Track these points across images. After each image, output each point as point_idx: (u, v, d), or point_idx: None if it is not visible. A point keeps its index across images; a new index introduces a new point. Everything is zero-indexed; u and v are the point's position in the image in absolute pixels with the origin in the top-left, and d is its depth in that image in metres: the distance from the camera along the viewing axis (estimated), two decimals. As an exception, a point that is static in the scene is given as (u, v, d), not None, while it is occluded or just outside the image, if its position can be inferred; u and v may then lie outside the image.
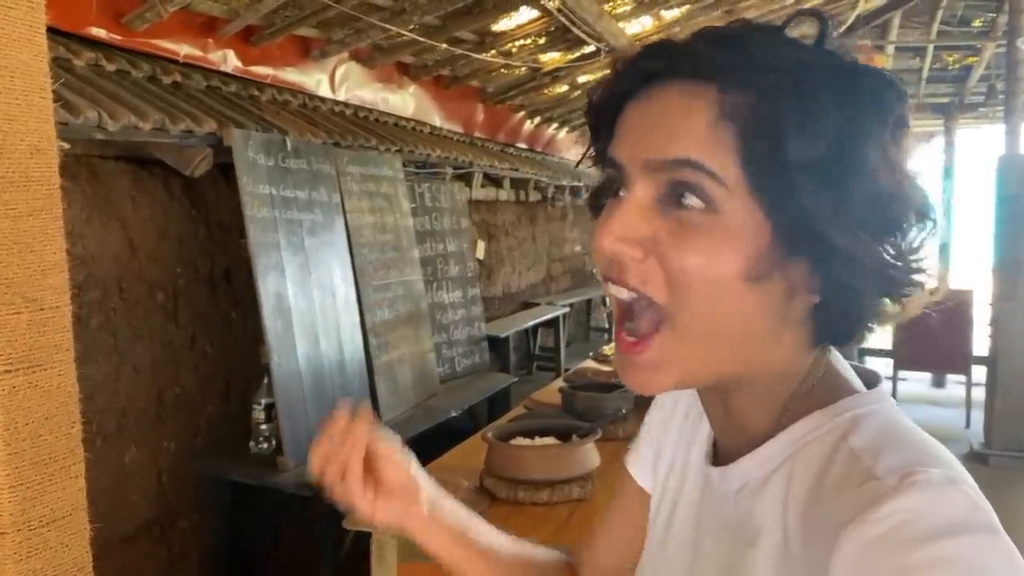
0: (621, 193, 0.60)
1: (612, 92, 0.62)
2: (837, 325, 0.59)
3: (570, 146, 7.68)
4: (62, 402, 1.17)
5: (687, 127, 0.55)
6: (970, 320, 5.92)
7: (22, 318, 1.11)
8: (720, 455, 0.68)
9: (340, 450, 0.75)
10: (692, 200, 0.55)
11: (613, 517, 0.86)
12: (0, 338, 1.08)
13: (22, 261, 1.11)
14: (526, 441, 1.92)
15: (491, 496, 1.85)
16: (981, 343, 5.64)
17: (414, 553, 1.77)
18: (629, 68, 0.60)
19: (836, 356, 0.63)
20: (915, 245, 0.56)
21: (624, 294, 0.58)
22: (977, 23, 7.13)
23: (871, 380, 0.63)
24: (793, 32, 0.59)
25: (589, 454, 1.86)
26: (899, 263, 0.56)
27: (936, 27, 6.94)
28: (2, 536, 1.11)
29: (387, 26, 3.56)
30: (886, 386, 0.61)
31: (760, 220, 0.54)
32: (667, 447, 0.78)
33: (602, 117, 0.63)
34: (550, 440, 1.92)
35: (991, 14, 6.97)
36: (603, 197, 0.66)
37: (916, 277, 0.57)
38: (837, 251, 0.53)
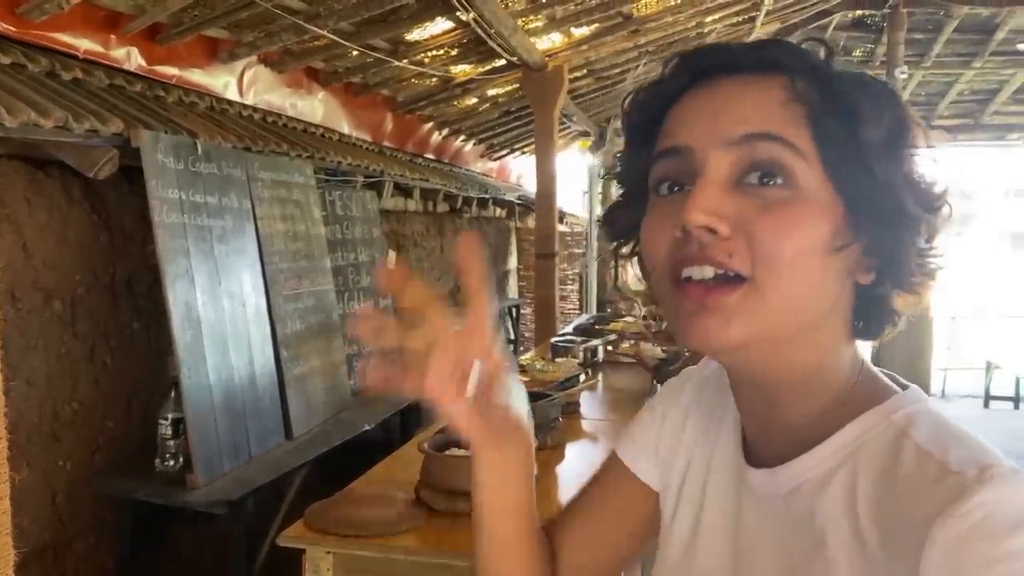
0: (686, 186, 0.60)
1: (663, 89, 0.64)
2: (874, 316, 0.63)
3: (476, 158, 7.70)
4: (-15, 416, 1.08)
5: (763, 103, 0.58)
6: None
7: (-56, 324, 1.01)
8: (756, 457, 0.68)
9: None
10: (773, 177, 0.57)
11: (604, 511, 0.81)
12: (-81, 346, 0.99)
13: (-55, 262, 1.01)
14: (462, 451, 1.90)
15: (428, 508, 1.81)
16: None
17: (350, 568, 1.72)
18: (682, 66, 0.63)
19: (868, 361, 0.65)
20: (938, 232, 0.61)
21: (708, 272, 0.58)
22: (857, 53, 7.62)
23: (898, 382, 0.65)
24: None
25: (526, 463, 1.86)
26: (932, 247, 0.60)
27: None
28: (-83, 564, 1.01)
29: (306, 25, 3.48)
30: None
31: (834, 196, 0.58)
32: (680, 448, 0.77)
33: (647, 116, 0.65)
34: (486, 450, 1.91)
35: (870, 45, 7.47)
36: (631, 204, 0.68)
37: (937, 263, 0.61)
38: (903, 223, 0.57)
